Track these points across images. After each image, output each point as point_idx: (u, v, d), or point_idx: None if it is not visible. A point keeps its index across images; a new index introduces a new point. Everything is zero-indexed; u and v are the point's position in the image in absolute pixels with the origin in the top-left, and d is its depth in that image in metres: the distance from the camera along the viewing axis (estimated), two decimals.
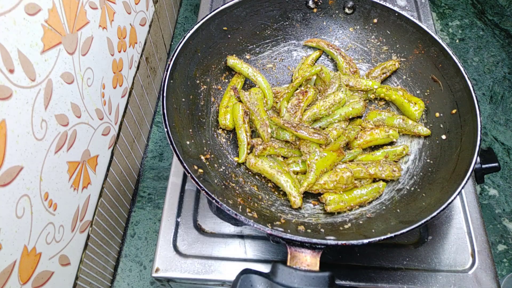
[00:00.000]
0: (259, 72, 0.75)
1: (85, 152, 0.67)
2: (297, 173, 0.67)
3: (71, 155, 0.62)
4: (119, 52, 0.79)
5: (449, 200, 0.52)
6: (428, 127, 0.68)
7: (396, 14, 0.72)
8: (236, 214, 0.51)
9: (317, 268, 0.49)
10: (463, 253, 0.66)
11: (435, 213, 0.51)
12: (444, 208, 0.51)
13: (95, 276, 0.78)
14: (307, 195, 0.66)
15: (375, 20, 0.76)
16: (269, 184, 0.67)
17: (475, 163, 0.54)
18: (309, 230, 0.56)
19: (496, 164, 0.67)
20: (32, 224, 0.53)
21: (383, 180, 0.66)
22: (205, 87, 0.71)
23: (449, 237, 0.68)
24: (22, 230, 0.51)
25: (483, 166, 0.66)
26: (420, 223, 0.51)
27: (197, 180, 0.53)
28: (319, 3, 0.77)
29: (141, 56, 0.93)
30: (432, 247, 0.67)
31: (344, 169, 0.64)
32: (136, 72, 0.90)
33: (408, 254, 0.66)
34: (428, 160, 0.65)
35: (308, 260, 0.50)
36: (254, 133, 0.71)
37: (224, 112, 0.70)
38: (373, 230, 0.55)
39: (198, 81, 0.69)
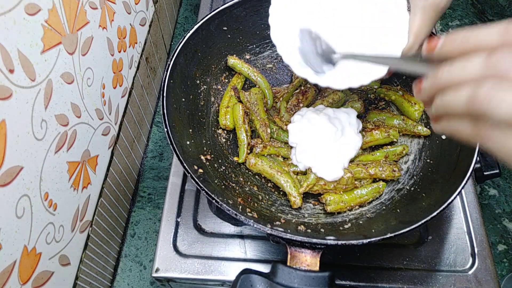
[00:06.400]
0: (259, 72, 0.75)
1: (85, 152, 0.67)
2: (297, 173, 0.67)
3: (71, 155, 0.62)
4: (119, 52, 0.79)
5: (449, 200, 0.52)
6: (428, 127, 0.68)
7: None
8: (236, 214, 0.51)
9: (317, 268, 0.49)
10: (463, 253, 0.66)
11: (435, 213, 0.51)
12: (444, 208, 0.51)
13: (95, 276, 0.78)
14: (307, 195, 0.66)
15: None
16: (269, 184, 0.67)
17: (475, 163, 0.54)
18: (309, 230, 0.56)
19: (497, 171, 0.67)
20: (32, 224, 0.53)
21: (383, 180, 0.66)
22: (205, 87, 0.71)
23: (449, 237, 0.68)
24: (22, 230, 0.51)
25: (485, 173, 0.67)
26: (420, 223, 0.51)
27: (197, 180, 0.53)
28: None
29: (141, 56, 0.93)
30: (432, 247, 0.67)
31: (344, 170, 0.64)
32: (136, 72, 0.90)
33: (408, 254, 0.66)
34: (428, 160, 0.65)
35: (308, 260, 0.50)
36: (254, 133, 0.71)
37: (225, 112, 0.70)
38: (373, 230, 0.55)
39: (198, 81, 0.69)
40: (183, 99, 0.65)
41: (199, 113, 0.69)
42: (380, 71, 0.54)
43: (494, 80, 0.28)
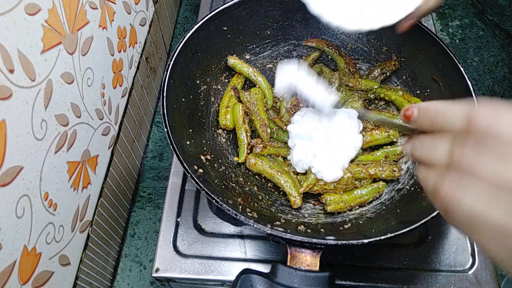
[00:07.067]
0: (259, 72, 0.75)
1: (85, 152, 0.67)
2: (297, 173, 0.67)
3: (71, 155, 0.62)
4: (119, 52, 0.79)
5: None
6: None
7: None
8: (236, 214, 0.51)
9: (317, 268, 0.49)
10: (463, 253, 0.66)
11: (435, 213, 0.51)
12: None
13: (95, 276, 0.78)
14: (307, 195, 0.66)
15: None
16: (269, 184, 0.67)
17: None
18: (309, 230, 0.56)
19: None
20: (32, 224, 0.53)
21: (383, 180, 0.66)
22: (205, 87, 0.71)
23: (449, 237, 0.68)
24: (22, 230, 0.51)
25: None
26: (420, 223, 0.51)
27: (197, 180, 0.53)
28: None
29: (141, 56, 0.93)
30: (432, 247, 0.67)
31: (344, 170, 0.64)
32: (136, 72, 0.90)
33: (408, 254, 0.66)
34: None
35: (308, 260, 0.50)
36: (254, 133, 0.71)
37: (225, 112, 0.70)
38: (373, 230, 0.55)
39: (198, 81, 0.69)
40: (183, 99, 0.65)
41: (199, 113, 0.69)
42: (392, 19, 0.53)
43: (456, 173, 0.29)
